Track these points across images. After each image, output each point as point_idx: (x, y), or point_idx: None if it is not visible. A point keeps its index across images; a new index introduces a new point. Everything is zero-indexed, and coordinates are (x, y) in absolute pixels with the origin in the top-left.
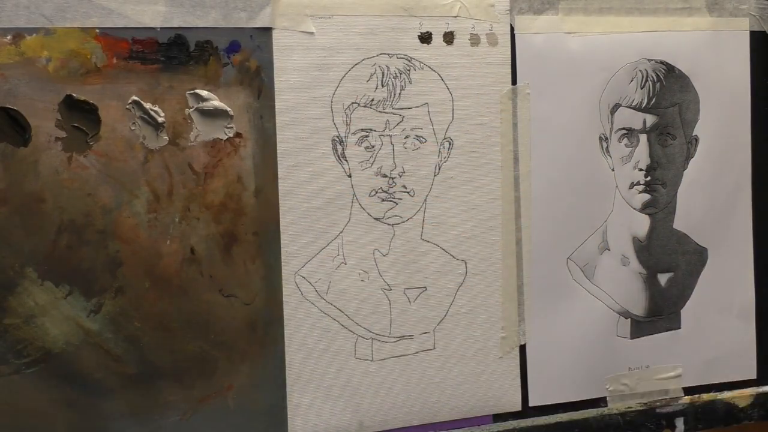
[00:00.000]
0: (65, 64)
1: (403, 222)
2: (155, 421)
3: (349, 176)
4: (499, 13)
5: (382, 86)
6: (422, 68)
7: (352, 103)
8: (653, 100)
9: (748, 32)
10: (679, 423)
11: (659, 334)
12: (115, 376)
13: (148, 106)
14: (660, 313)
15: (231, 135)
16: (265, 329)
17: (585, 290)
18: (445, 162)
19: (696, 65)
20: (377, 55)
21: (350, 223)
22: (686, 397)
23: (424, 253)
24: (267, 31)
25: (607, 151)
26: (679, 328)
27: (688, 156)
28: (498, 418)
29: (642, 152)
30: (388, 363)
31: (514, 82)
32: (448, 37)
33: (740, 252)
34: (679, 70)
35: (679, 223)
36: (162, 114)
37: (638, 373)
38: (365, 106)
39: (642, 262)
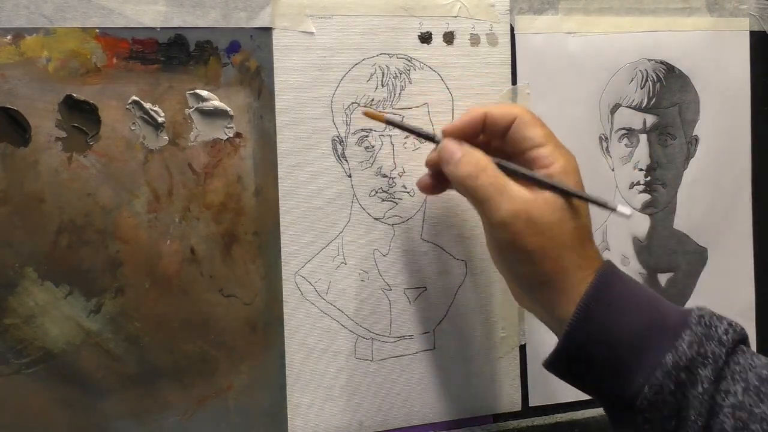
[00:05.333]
0: (65, 64)
1: (403, 222)
2: (155, 421)
3: (349, 176)
4: (499, 13)
5: (382, 86)
6: (422, 68)
7: (352, 103)
8: (653, 100)
9: (748, 32)
10: None
11: None
12: (115, 376)
13: (148, 106)
14: None
15: (231, 135)
16: (265, 329)
17: None
18: None
19: (696, 65)
20: (377, 55)
21: (350, 223)
22: None
23: (424, 253)
24: (267, 31)
25: (607, 151)
26: None
27: (688, 156)
28: (498, 418)
29: (642, 152)
30: (388, 363)
31: (514, 82)
32: (448, 37)
33: (740, 252)
34: (679, 70)
35: (679, 223)
36: (162, 114)
37: None
38: (365, 106)
39: (642, 262)
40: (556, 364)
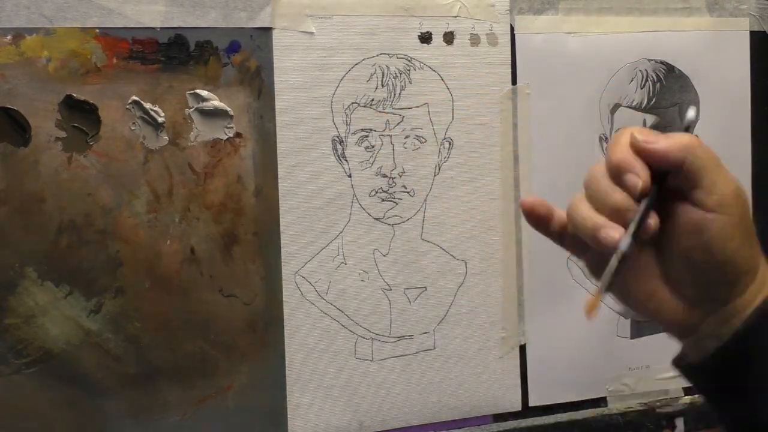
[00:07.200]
0: (65, 64)
1: (403, 222)
2: (155, 421)
3: (349, 176)
4: (499, 13)
5: (382, 86)
6: (422, 68)
7: (352, 103)
8: (653, 100)
9: (748, 32)
10: (679, 423)
11: (659, 334)
12: (115, 376)
13: (148, 106)
14: None
15: (231, 135)
16: (265, 329)
17: (585, 290)
18: (445, 162)
19: (696, 65)
20: (377, 55)
21: (350, 223)
22: (686, 397)
23: (424, 253)
24: (267, 31)
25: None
26: None
27: None
28: (498, 418)
29: None
30: (388, 363)
31: (514, 82)
32: (448, 37)
33: None
34: (679, 70)
35: None
36: (162, 114)
37: (638, 373)
38: (365, 106)
39: None
40: (708, 366)
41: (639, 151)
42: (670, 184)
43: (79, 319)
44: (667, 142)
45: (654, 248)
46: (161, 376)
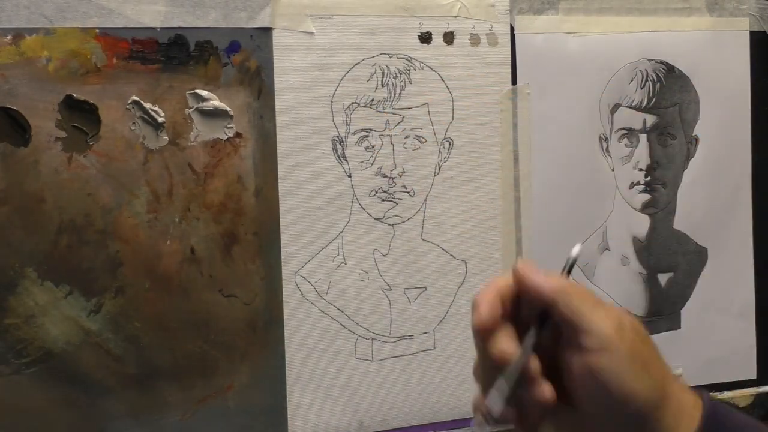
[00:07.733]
0: (65, 64)
1: (403, 222)
2: (155, 421)
3: (349, 176)
4: (499, 13)
5: (382, 86)
6: (422, 68)
7: (352, 103)
8: (653, 100)
9: (748, 32)
10: None
11: (659, 334)
12: (115, 376)
13: (148, 106)
14: (660, 313)
15: (231, 135)
16: (265, 329)
17: None
18: (445, 162)
19: (696, 65)
20: (377, 55)
21: (350, 223)
22: None
23: (424, 253)
24: (267, 31)
25: (607, 151)
26: (679, 328)
27: (688, 156)
28: None
29: (642, 152)
30: (388, 363)
31: (514, 82)
32: (448, 37)
33: (740, 252)
34: (679, 70)
35: (679, 223)
36: (162, 114)
37: None
38: (365, 106)
39: (642, 262)
40: None
41: (517, 279)
42: (552, 330)
43: (79, 319)
44: (541, 279)
45: (572, 413)
46: (161, 376)
